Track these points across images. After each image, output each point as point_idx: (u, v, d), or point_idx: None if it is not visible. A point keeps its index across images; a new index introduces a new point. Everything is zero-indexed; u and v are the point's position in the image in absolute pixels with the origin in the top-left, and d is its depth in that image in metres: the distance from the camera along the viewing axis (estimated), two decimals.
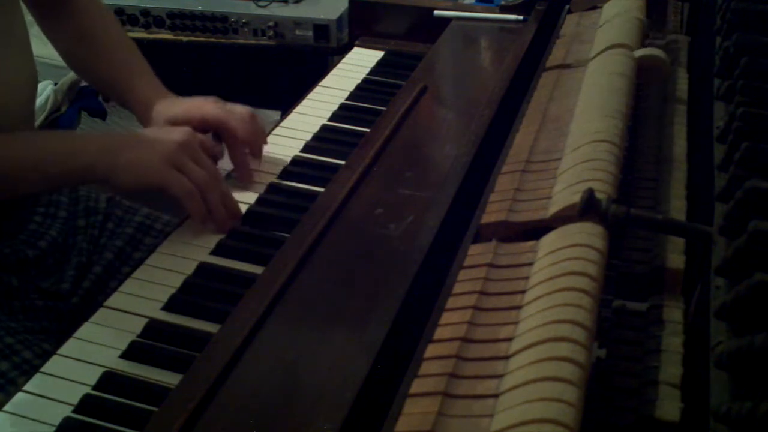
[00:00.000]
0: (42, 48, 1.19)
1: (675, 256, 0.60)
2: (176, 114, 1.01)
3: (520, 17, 1.30)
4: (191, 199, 0.88)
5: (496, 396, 0.45)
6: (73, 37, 1.11)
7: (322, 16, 1.74)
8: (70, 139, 0.94)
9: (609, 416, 0.50)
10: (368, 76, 1.28)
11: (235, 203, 0.94)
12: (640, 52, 0.82)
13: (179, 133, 0.91)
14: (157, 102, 1.03)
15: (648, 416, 0.48)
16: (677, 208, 0.66)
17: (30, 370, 0.75)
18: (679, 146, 0.76)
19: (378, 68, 1.31)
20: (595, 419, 0.49)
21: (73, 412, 0.70)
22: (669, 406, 0.49)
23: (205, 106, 1.01)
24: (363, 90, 1.25)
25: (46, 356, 0.76)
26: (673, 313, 0.56)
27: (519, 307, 0.52)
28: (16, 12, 1.00)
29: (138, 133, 0.96)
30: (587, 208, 0.56)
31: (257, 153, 1.02)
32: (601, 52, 0.84)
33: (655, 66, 0.82)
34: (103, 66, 1.10)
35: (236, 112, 1.01)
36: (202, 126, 1.00)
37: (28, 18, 1.06)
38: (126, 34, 1.15)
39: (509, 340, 0.49)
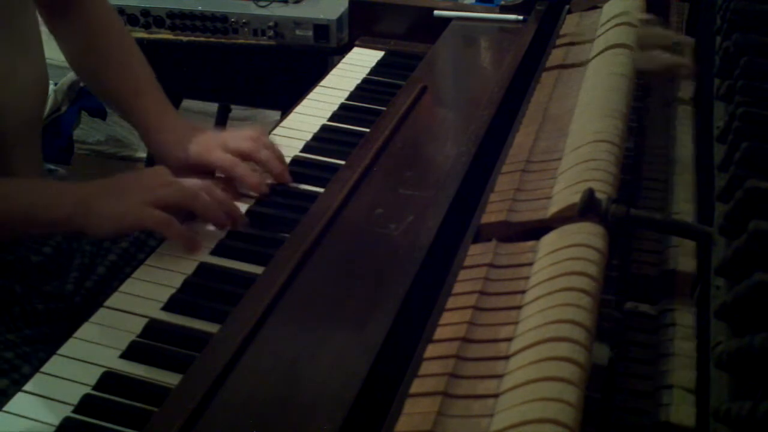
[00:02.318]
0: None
1: (686, 259, 0.60)
2: (186, 160, 1.01)
3: (520, 17, 1.30)
4: (170, 230, 0.87)
5: (496, 396, 0.45)
6: (80, 44, 1.10)
7: (322, 16, 1.74)
8: (43, 192, 0.92)
9: (623, 420, 0.50)
10: (368, 76, 1.28)
11: (236, 208, 0.93)
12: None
13: (152, 171, 0.91)
14: (161, 131, 1.04)
15: (663, 421, 0.48)
16: (685, 210, 0.66)
17: None
18: (686, 148, 0.76)
19: (378, 68, 1.31)
20: (608, 423, 0.49)
21: (73, 412, 0.70)
22: (684, 411, 0.48)
23: (211, 154, 1.00)
24: (363, 90, 1.25)
25: None
26: (685, 317, 0.56)
27: (519, 307, 0.52)
28: (29, 16, 1.00)
29: (110, 182, 0.95)
30: (587, 208, 0.56)
31: (280, 181, 1.00)
32: (601, 52, 0.84)
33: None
34: (109, 81, 1.10)
35: (241, 151, 0.99)
36: (210, 170, 1.01)
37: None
38: (135, 43, 1.13)
39: (509, 340, 0.49)
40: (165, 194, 0.88)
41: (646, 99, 0.88)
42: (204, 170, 1.00)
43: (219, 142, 1.01)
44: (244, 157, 0.99)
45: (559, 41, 1.00)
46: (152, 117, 1.05)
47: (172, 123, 1.06)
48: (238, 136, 1.02)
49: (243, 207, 0.96)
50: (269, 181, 0.99)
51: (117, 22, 1.14)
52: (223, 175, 1.00)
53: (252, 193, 0.98)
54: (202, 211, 0.90)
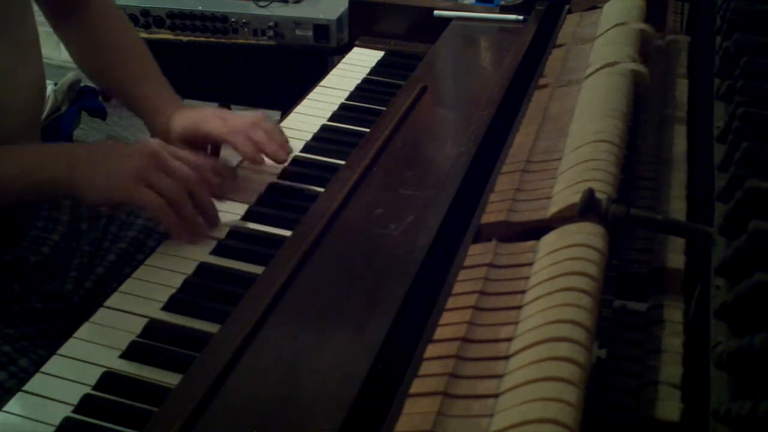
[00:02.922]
0: (42, 48, 1.19)
1: (675, 256, 0.60)
2: (183, 129, 1.01)
3: (520, 17, 1.30)
4: (161, 212, 0.87)
5: (496, 396, 0.45)
6: (86, 41, 1.11)
7: (322, 16, 1.74)
8: (33, 153, 0.91)
9: (609, 416, 0.50)
10: (368, 76, 1.29)
11: (213, 210, 0.92)
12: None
13: (146, 147, 0.90)
14: (165, 113, 1.03)
15: (648, 416, 0.48)
16: (677, 208, 0.66)
17: (27, 378, 0.74)
18: (679, 146, 0.76)
19: (378, 68, 1.32)
20: (595, 419, 0.49)
21: (73, 412, 0.70)
22: (669, 406, 0.48)
23: (209, 123, 1.01)
24: (363, 90, 1.25)
25: (42, 363, 0.76)
26: (674, 313, 0.56)
27: (519, 307, 0.52)
28: (28, 17, 1.00)
29: (105, 147, 0.94)
30: (587, 208, 0.56)
31: (276, 159, 1.00)
32: (598, 69, 0.84)
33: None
34: (114, 72, 1.10)
35: (237, 129, 0.99)
36: (206, 142, 1.01)
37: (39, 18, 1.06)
38: (140, 39, 1.14)
39: (509, 340, 0.49)
40: (157, 183, 0.87)
41: (638, 97, 0.87)
42: (200, 141, 1.00)
43: (218, 115, 1.02)
44: (240, 131, 0.99)
45: (559, 41, 1.00)
46: (156, 102, 1.05)
47: (173, 104, 1.06)
48: (238, 115, 1.02)
49: (243, 207, 0.96)
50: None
51: (121, 19, 1.15)
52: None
53: (247, 163, 0.99)
54: (178, 219, 0.88)
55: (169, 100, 1.07)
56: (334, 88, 1.24)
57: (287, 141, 1.03)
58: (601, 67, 0.82)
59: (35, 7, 1.04)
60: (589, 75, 0.83)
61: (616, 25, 0.91)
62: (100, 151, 0.91)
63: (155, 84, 1.08)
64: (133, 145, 0.92)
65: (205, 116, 1.02)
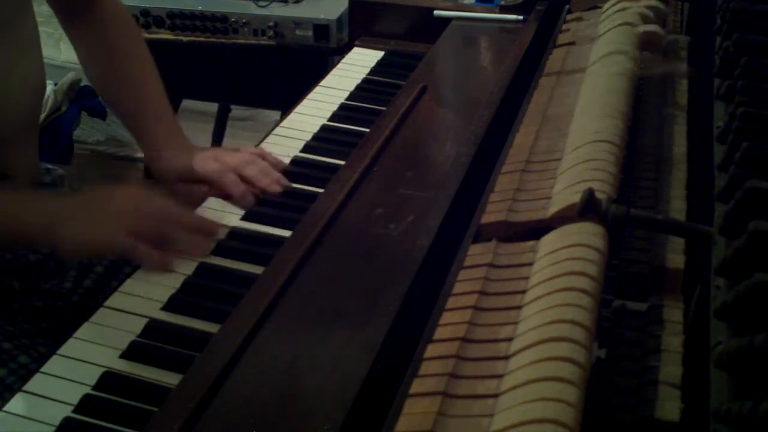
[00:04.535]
0: (42, 48, 1.19)
1: (675, 256, 0.60)
2: (178, 174, 1.03)
3: (520, 17, 1.30)
4: (144, 258, 0.86)
5: (496, 396, 0.45)
6: (93, 48, 1.11)
7: (322, 16, 1.74)
8: (16, 204, 0.90)
9: (609, 416, 0.50)
10: (368, 76, 1.28)
11: (207, 223, 0.92)
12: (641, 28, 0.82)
13: (124, 195, 0.90)
14: (162, 155, 1.05)
15: (648, 416, 0.48)
16: (677, 208, 0.66)
17: (27, 375, 0.75)
18: (679, 146, 0.76)
19: (378, 68, 1.31)
20: (595, 419, 0.49)
21: (73, 412, 0.70)
22: (669, 406, 0.48)
23: (204, 166, 1.02)
24: (363, 90, 1.25)
25: (42, 360, 0.76)
26: (673, 313, 0.56)
27: (519, 307, 0.52)
28: (28, 17, 1.00)
29: (83, 199, 0.94)
30: (587, 208, 0.56)
31: (268, 192, 1.00)
32: (601, 58, 0.84)
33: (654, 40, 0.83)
34: (118, 91, 1.11)
35: (231, 166, 1.00)
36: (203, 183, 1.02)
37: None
38: (147, 50, 1.13)
39: (509, 340, 0.49)
40: (139, 225, 0.86)
41: (638, 96, 0.87)
42: (195, 181, 1.02)
43: (213, 156, 1.03)
44: (232, 170, 1.00)
45: (559, 41, 1.00)
46: (161, 140, 1.06)
47: (171, 140, 1.07)
48: (235, 153, 1.03)
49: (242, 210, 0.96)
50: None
51: (129, 27, 1.15)
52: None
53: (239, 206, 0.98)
54: (173, 244, 0.88)
55: (168, 135, 1.07)
56: (334, 88, 1.24)
57: (284, 175, 1.02)
58: (603, 55, 0.82)
59: (35, 8, 1.04)
60: (590, 73, 0.83)
61: (619, 25, 0.91)
62: (80, 205, 0.91)
63: (156, 118, 1.08)
64: (113, 194, 0.91)
65: (199, 159, 1.03)
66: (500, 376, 0.47)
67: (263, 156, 1.03)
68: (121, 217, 0.87)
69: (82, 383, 0.72)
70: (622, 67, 0.79)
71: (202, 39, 1.79)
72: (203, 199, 0.99)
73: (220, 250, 0.89)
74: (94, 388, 0.72)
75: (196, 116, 2.40)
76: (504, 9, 1.33)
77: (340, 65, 1.33)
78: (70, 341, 0.77)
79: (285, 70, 1.84)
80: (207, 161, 1.02)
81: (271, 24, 1.76)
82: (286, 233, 0.87)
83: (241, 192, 0.98)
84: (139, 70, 1.11)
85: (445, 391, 0.47)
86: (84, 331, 0.79)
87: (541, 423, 0.41)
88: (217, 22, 1.77)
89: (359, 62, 1.33)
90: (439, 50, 1.27)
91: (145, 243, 0.85)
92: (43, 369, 0.74)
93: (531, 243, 0.58)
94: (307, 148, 1.08)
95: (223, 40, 1.79)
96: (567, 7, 1.14)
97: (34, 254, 0.98)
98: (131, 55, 1.11)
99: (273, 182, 1.00)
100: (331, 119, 1.16)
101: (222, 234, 0.91)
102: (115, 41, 1.10)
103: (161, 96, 1.10)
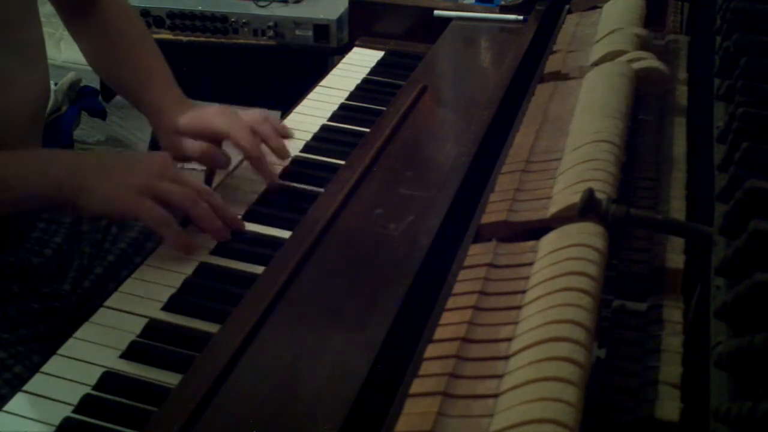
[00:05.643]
0: None
1: (675, 256, 0.60)
2: (184, 125, 1.00)
3: (520, 17, 1.30)
4: (163, 227, 0.85)
5: (496, 396, 0.45)
6: (97, 40, 1.11)
7: (322, 16, 1.74)
8: (37, 159, 0.89)
9: (609, 416, 0.50)
10: (368, 76, 1.28)
11: (232, 213, 0.91)
12: (638, 64, 0.82)
13: (151, 159, 0.89)
14: (171, 114, 1.02)
15: (648, 416, 0.48)
16: (677, 208, 0.66)
17: (20, 385, 0.73)
18: (679, 146, 0.76)
19: (378, 68, 1.31)
20: (595, 419, 0.49)
21: (73, 412, 0.70)
22: (669, 406, 0.48)
23: (212, 118, 1.00)
24: (363, 90, 1.25)
25: (36, 370, 0.75)
26: (673, 313, 0.56)
27: (519, 307, 0.52)
28: (33, 18, 1.00)
29: (109, 158, 0.93)
30: (587, 208, 0.56)
31: (280, 154, 1.00)
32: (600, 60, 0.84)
33: (654, 78, 0.82)
34: (123, 70, 1.10)
35: (241, 124, 0.98)
36: (210, 138, 1.00)
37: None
38: (152, 38, 1.13)
39: (509, 340, 0.49)
40: (166, 189, 0.85)
41: (637, 97, 0.87)
42: (205, 137, 0.99)
43: (223, 111, 1.01)
44: (246, 125, 0.98)
45: (558, 42, 1.00)
46: (162, 104, 1.04)
47: (179, 104, 1.05)
48: (243, 112, 1.02)
49: (244, 207, 0.96)
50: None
51: (132, 17, 1.15)
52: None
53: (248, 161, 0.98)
54: (198, 219, 0.87)
55: (175, 100, 1.06)
56: (334, 88, 1.24)
57: (290, 139, 1.02)
58: (604, 56, 0.82)
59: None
60: (589, 74, 0.83)
61: (613, 31, 0.91)
62: (103, 163, 0.90)
63: (162, 85, 1.07)
64: (140, 157, 0.90)
65: (210, 112, 1.01)
66: (500, 376, 0.47)
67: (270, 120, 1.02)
68: (148, 178, 0.85)
69: (82, 383, 0.72)
70: (622, 66, 0.80)
71: (202, 39, 1.79)
72: (215, 159, 0.98)
73: (220, 249, 0.89)
74: (94, 388, 0.72)
75: None
76: (504, 9, 1.33)
77: (340, 65, 1.33)
78: (70, 341, 0.77)
79: (285, 70, 1.84)
80: (218, 116, 0.99)
81: (271, 24, 1.76)
82: (286, 233, 0.87)
83: (254, 147, 0.96)
84: (141, 48, 1.10)
85: (445, 391, 0.47)
86: (84, 331, 0.79)
87: (541, 423, 0.41)
88: (217, 22, 1.77)
89: (359, 62, 1.33)
90: (439, 50, 1.27)
91: (167, 211, 0.84)
92: (43, 369, 0.74)
93: (531, 243, 0.58)
94: (307, 148, 1.08)
95: (223, 40, 1.79)
96: (567, 7, 1.14)
97: (37, 257, 0.97)
98: (134, 36, 1.11)
99: (283, 146, 0.99)
100: (331, 119, 1.16)
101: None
102: (119, 30, 1.10)
103: (164, 68, 1.09)
